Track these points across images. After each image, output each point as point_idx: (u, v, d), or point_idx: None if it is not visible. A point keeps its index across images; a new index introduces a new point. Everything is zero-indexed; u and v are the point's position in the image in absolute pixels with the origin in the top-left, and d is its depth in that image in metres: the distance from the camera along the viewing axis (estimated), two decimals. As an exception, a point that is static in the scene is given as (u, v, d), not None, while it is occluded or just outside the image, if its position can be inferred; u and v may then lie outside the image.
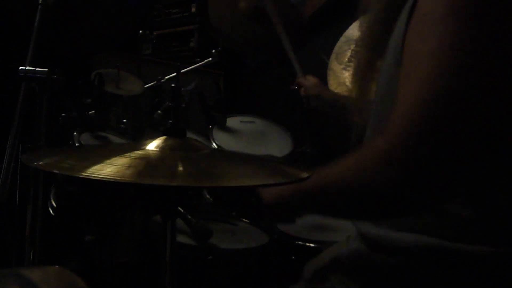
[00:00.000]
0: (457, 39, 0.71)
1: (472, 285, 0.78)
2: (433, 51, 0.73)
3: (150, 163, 0.73)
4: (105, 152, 0.83)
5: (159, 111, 1.74)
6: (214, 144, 1.77)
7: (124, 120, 1.90)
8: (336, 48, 1.80)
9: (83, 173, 0.65)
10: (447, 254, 0.78)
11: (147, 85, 2.02)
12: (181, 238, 1.27)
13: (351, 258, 0.92)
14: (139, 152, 0.75)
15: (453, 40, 0.72)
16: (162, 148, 0.77)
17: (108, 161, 0.69)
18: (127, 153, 0.74)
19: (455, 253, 0.78)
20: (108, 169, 0.66)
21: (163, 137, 0.79)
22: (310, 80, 1.75)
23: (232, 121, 1.94)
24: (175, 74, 1.95)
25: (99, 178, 0.63)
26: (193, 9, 3.15)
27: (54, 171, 0.71)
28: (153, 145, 0.77)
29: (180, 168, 0.72)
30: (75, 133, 1.58)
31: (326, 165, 0.83)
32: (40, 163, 0.75)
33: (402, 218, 0.82)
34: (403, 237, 0.82)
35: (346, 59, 1.76)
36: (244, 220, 1.53)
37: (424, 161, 0.70)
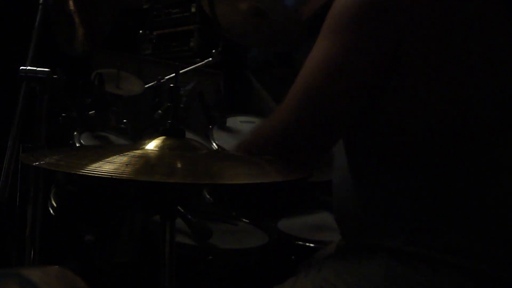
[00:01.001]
0: (324, 51, 0.88)
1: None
2: (307, 65, 0.91)
3: (148, 162, 0.73)
4: (104, 152, 0.83)
5: (159, 111, 1.74)
6: (214, 144, 1.77)
7: (124, 120, 1.90)
8: None
9: (82, 170, 0.66)
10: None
11: (147, 85, 2.02)
12: (181, 238, 1.27)
13: (338, 255, 0.97)
14: (138, 151, 0.76)
15: (322, 52, 0.89)
16: (161, 148, 0.77)
17: (107, 159, 0.69)
18: (126, 152, 0.74)
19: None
20: (106, 167, 0.66)
21: (162, 137, 0.80)
22: None
23: (232, 121, 1.94)
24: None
25: (97, 175, 0.64)
26: (193, 9, 3.15)
27: (54, 169, 0.71)
28: (152, 145, 0.77)
29: (179, 165, 0.72)
30: (75, 133, 1.58)
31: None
32: (41, 162, 0.75)
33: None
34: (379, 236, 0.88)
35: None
36: (244, 220, 1.53)
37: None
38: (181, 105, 1.80)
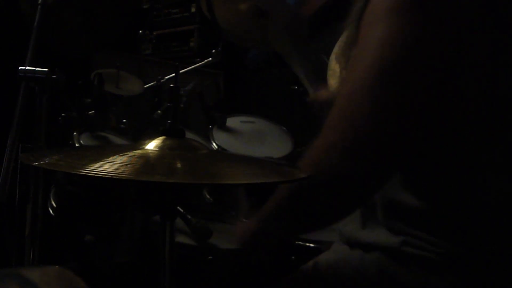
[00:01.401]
0: (392, 36, 0.77)
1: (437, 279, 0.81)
2: (367, 50, 0.79)
3: (148, 161, 0.73)
4: (104, 151, 0.83)
5: (159, 111, 1.74)
6: (214, 144, 1.76)
7: (124, 120, 1.89)
8: (336, 48, 1.79)
9: (82, 170, 0.65)
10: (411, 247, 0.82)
11: (147, 85, 2.02)
12: (181, 238, 1.27)
13: (335, 256, 0.95)
14: (138, 151, 0.75)
15: (388, 37, 0.77)
16: (161, 148, 0.77)
17: (107, 159, 0.69)
18: (126, 152, 0.74)
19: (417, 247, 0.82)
20: (106, 167, 0.66)
21: (162, 137, 0.80)
22: (323, 95, 1.73)
23: (232, 121, 1.94)
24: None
25: (97, 175, 0.64)
26: (193, 9, 3.15)
27: (54, 169, 0.71)
28: (152, 145, 0.77)
29: (179, 165, 0.72)
30: (75, 133, 1.58)
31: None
32: (41, 162, 0.75)
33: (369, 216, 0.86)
34: (374, 236, 0.86)
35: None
36: (244, 220, 1.53)
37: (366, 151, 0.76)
38: (181, 105, 1.80)
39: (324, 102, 1.69)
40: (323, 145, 0.79)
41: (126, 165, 0.67)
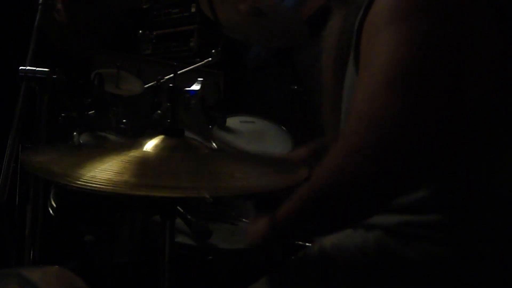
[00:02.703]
0: (406, 37, 0.77)
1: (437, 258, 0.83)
2: (379, 52, 0.79)
3: (147, 166, 0.72)
4: (102, 153, 0.82)
5: (159, 111, 1.74)
6: (214, 144, 1.76)
7: (124, 120, 1.89)
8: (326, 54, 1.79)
9: (78, 182, 0.65)
10: (412, 226, 0.84)
11: (147, 85, 2.02)
12: (181, 238, 1.27)
13: (339, 236, 0.95)
14: (137, 153, 0.75)
15: (402, 39, 0.77)
16: (160, 149, 0.77)
17: (103, 166, 0.68)
18: (125, 153, 0.74)
19: (419, 225, 0.83)
20: (103, 176, 0.66)
21: (161, 137, 0.80)
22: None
23: (232, 121, 1.94)
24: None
25: (92, 189, 0.63)
26: (193, 9, 3.15)
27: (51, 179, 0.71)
28: (151, 145, 0.77)
29: (181, 174, 0.72)
30: (75, 133, 1.58)
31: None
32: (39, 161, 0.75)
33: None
34: (376, 217, 0.86)
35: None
36: (244, 220, 1.53)
37: (392, 147, 0.75)
38: (190, 106, 1.80)
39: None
40: (346, 150, 0.78)
41: (123, 174, 0.67)
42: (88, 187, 0.64)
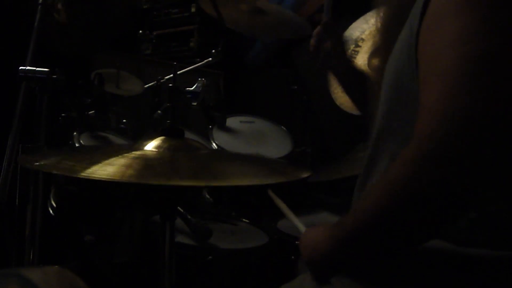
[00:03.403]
0: (476, 28, 0.70)
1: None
2: (452, 43, 0.70)
3: (148, 163, 0.73)
4: (104, 152, 0.83)
5: (159, 111, 1.74)
6: (214, 144, 1.77)
7: (124, 120, 1.90)
8: (358, 33, 1.78)
9: (82, 174, 0.65)
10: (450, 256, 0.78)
11: (147, 85, 2.02)
12: (181, 238, 1.27)
13: None
14: (138, 152, 0.75)
15: (471, 29, 0.70)
16: (160, 149, 0.77)
17: (107, 161, 0.69)
18: (126, 153, 0.74)
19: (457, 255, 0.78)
20: (108, 169, 0.66)
21: (161, 138, 0.80)
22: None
23: (232, 121, 1.94)
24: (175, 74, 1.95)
25: (97, 179, 0.64)
26: (193, 9, 3.15)
27: (54, 172, 0.71)
28: (151, 146, 0.77)
29: (180, 167, 0.72)
30: (75, 133, 1.58)
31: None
32: (41, 163, 0.75)
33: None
34: None
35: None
36: (244, 220, 1.53)
37: (466, 152, 0.66)
38: (193, 104, 1.80)
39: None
40: (419, 156, 0.69)
41: (127, 167, 0.67)
42: (94, 177, 0.64)
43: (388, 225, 0.73)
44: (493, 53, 0.69)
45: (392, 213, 0.71)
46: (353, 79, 1.37)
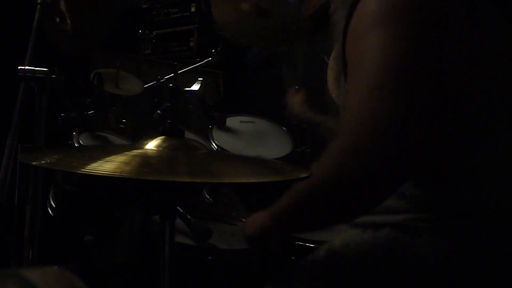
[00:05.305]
0: (392, 39, 0.81)
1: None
2: (367, 53, 0.83)
3: (148, 161, 0.73)
4: (104, 151, 0.83)
5: (158, 111, 1.74)
6: (213, 144, 1.76)
7: (124, 120, 1.89)
8: (336, 48, 1.79)
9: (82, 170, 0.65)
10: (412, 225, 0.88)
11: (146, 85, 2.01)
12: (180, 238, 1.27)
13: (349, 237, 0.97)
14: (138, 151, 0.75)
15: (388, 40, 0.81)
16: (160, 148, 0.77)
17: (106, 158, 0.69)
18: (126, 152, 0.74)
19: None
20: (107, 166, 0.66)
21: (161, 137, 0.79)
22: (296, 98, 1.76)
23: (232, 121, 1.94)
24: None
25: (98, 174, 0.63)
26: (193, 9, 3.15)
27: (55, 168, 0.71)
28: (151, 145, 0.77)
29: (178, 165, 0.72)
30: (74, 133, 1.58)
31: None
32: (41, 162, 0.75)
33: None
34: (383, 217, 0.91)
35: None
36: (244, 220, 1.53)
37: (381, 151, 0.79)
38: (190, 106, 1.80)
39: (292, 104, 1.72)
40: (343, 149, 0.82)
41: (126, 164, 0.66)
42: (95, 173, 0.64)
43: (316, 202, 0.86)
44: (400, 61, 0.80)
45: (321, 192, 0.84)
46: None
